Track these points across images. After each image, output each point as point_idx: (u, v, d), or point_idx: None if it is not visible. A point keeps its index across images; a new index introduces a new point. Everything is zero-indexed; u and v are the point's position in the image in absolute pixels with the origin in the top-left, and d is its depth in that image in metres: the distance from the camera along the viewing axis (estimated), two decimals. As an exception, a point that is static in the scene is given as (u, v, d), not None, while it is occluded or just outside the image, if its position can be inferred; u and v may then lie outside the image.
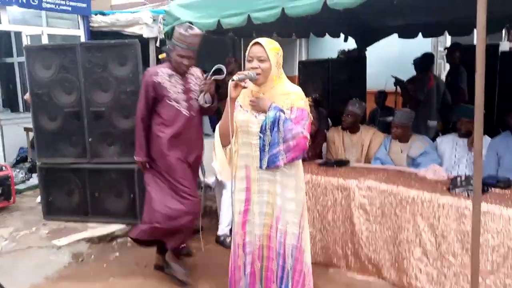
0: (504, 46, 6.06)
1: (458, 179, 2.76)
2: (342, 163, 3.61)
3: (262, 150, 2.12)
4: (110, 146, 4.07)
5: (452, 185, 2.74)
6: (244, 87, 2.08)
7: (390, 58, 6.90)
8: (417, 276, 2.74)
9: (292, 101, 2.13)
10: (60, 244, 3.67)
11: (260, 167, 2.14)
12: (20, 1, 5.41)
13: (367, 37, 5.95)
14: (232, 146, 2.17)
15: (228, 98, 2.09)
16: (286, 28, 5.30)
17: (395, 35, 5.76)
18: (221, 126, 2.24)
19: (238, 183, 2.26)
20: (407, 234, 2.79)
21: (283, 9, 3.11)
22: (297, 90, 2.19)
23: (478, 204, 2.13)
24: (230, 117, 2.12)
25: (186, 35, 2.87)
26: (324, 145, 4.20)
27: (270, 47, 2.11)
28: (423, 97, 4.88)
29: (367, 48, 6.04)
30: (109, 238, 3.89)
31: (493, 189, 2.73)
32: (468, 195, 2.60)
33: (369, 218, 2.99)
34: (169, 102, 2.98)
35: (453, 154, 3.52)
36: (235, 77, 2.04)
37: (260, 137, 2.11)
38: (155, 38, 5.43)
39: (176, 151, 3.03)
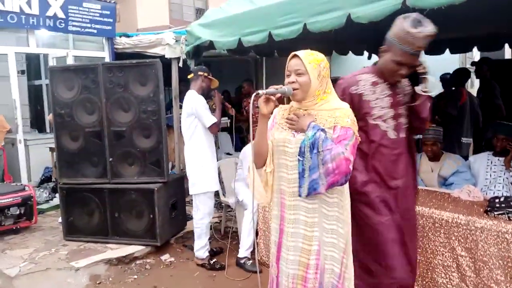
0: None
1: (497, 200, 2.55)
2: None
3: (301, 175, 1.83)
4: (130, 166, 4.03)
5: (490, 207, 2.54)
6: (276, 105, 1.88)
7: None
8: (455, 305, 2.52)
9: (336, 118, 1.85)
10: (78, 266, 3.61)
11: (299, 195, 1.85)
12: (47, 24, 5.56)
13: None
14: (267, 167, 1.97)
15: (259, 115, 1.88)
16: (308, 46, 5.22)
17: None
18: (255, 144, 1.97)
19: (273, 209, 2.01)
20: (443, 259, 2.58)
21: (305, 25, 3.04)
22: (345, 107, 1.91)
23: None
24: (263, 135, 1.93)
25: (415, 34, 2.04)
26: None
27: (310, 58, 1.85)
28: (456, 113, 4.65)
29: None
30: (128, 259, 3.81)
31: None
32: (509, 218, 2.39)
33: (399, 242, 2.79)
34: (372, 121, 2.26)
35: (488, 174, 3.31)
36: (262, 91, 1.84)
37: (298, 160, 1.84)
38: (178, 59, 5.45)
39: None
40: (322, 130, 1.83)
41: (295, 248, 1.91)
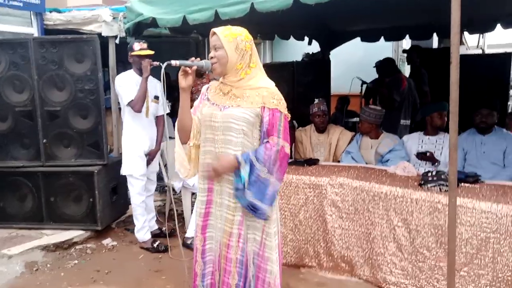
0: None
1: (429, 174, 2.77)
2: (312, 161, 3.57)
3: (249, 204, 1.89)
4: (66, 148, 3.83)
5: (423, 180, 2.75)
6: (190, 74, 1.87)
7: (354, 61, 7.02)
8: (392, 271, 2.71)
9: (263, 98, 1.88)
10: (11, 253, 3.38)
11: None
12: (-35, -6, 5.02)
13: (331, 41, 6.02)
14: (190, 141, 2.01)
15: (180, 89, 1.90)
16: (252, 29, 5.23)
17: (358, 39, 5.85)
18: (178, 121, 2.00)
19: (200, 182, 2.07)
20: (381, 230, 2.76)
21: (252, 4, 3.03)
22: (270, 86, 1.94)
23: (454, 197, 2.14)
24: (185, 110, 1.94)
25: None
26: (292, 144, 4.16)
27: (226, 33, 1.87)
28: (399, 98, 4.95)
29: (331, 52, 6.11)
30: (67, 245, 3.63)
31: (462, 184, 2.76)
32: (440, 189, 2.61)
33: (341, 215, 2.94)
34: None
35: (420, 151, 3.56)
36: (175, 61, 1.82)
37: (237, 193, 1.90)
38: (115, 37, 5.19)
39: None
40: (248, 158, 1.88)
41: (221, 217, 1.99)
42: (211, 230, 2.05)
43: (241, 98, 1.91)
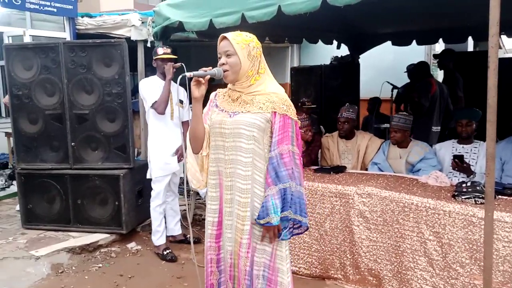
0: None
1: (464, 185, 2.62)
2: (339, 169, 3.46)
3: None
4: (94, 151, 3.87)
5: (457, 191, 2.60)
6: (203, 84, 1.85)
7: (384, 66, 6.84)
8: (422, 287, 2.58)
9: (273, 104, 1.85)
10: (39, 254, 3.43)
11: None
12: (1, 0, 5.19)
13: (360, 44, 5.87)
14: (203, 150, 1.97)
15: (192, 99, 1.87)
16: (279, 32, 5.19)
17: (389, 43, 5.69)
18: (190, 130, 1.98)
19: (210, 191, 1.99)
20: (411, 243, 2.63)
21: (279, 7, 2.97)
22: (280, 92, 1.92)
23: (491, 211, 2.00)
24: (197, 119, 1.91)
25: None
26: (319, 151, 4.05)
27: (238, 39, 1.84)
28: (428, 104, 4.75)
29: (360, 56, 5.97)
30: (92, 248, 3.66)
31: (500, 196, 2.59)
32: (475, 202, 2.46)
33: (369, 226, 2.83)
34: None
35: (456, 154, 3.38)
36: (190, 73, 1.79)
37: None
38: (144, 41, 5.25)
39: None
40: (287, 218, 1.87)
41: (232, 227, 1.94)
42: (223, 239, 2.00)
43: (250, 104, 1.88)
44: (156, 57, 3.59)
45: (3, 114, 6.55)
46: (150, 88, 3.51)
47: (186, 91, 1.90)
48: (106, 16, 5.78)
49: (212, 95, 2.03)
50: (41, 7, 5.64)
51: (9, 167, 5.62)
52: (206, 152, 1.99)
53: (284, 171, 1.85)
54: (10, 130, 4.23)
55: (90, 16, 6.04)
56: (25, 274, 3.24)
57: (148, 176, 3.64)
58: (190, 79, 1.86)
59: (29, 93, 3.81)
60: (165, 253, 3.57)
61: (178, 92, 3.56)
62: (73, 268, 3.39)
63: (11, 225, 4.09)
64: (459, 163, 3.22)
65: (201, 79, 1.82)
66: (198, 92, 1.84)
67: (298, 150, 1.91)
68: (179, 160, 3.61)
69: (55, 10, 5.79)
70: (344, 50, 5.96)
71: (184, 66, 1.93)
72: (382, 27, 5.34)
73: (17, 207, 4.27)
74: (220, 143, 1.92)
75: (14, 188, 4.99)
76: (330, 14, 3.02)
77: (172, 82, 3.51)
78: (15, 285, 3.09)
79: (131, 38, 5.27)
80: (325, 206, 3.01)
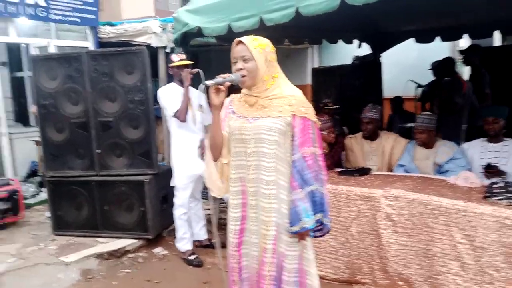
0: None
1: (496, 185, 2.53)
2: (364, 171, 3.40)
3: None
4: (118, 157, 3.92)
5: (489, 192, 2.51)
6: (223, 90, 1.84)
7: (407, 63, 6.69)
8: (455, 293, 2.49)
9: (292, 107, 1.84)
10: (69, 260, 3.50)
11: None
12: (27, 12, 5.34)
13: (382, 43, 5.76)
14: (223, 158, 1.96)
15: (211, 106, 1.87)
16: (298, 33, 5.16)
17: (412, 40, 5.56)
18: (210, 138, 1.97)
19: (232, 198, 1.98)
20: (442, 247, 2.55)
21: (297, 9, 2.95)
22: (298, 94, 1.90)
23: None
24: (216, 127, 1.91)
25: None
26: (342, 153, 4.00)
27: (255, 44, 1.83)
28: (462, 101, 4.60)
29: (382, 54, 5.86)
30: (120, 253, 3.71)
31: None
32: (509, 203, 2.37)
33: (397, 230, 2.76)
34: None
35: (483, 160, 3.28)
36: (210, 82, 1.78)
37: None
38: (165, 47, 5.31)
39: None
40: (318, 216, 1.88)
41: (257, 232, 1.92)
42: (246, 246, 1.98)
43: (269, 108, 1.86)
44: (172, 65, 3.60)
45: (32, 123, 6.74)
46: (169, 96, 3.52)
47: (207, 95, 1.90)
48: (127, 24, 5.88)
49: (226, 101, 1.99)
50: (65, 18, 5.77)
51: (38, 174, 5.77)
52: (226, 160, 1.98)
53: (309, 174, 1.84)
54: (39, 139, 4.36)
55: (112, 25, 6.14)
56: (56, 280, 3.31)
57: (172, 184, 3.66)
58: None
59: (54, 103, 3.89)
60: (191, 258, 3.58)
61: (198, 97, 3.57)
62: (102, 273, 3.44)
63: (42, 232, 4.19)
64: (492, 170, 3.10)
65: (221, 86, 1.81)
66: (218, 99, 1.83)
67: (320, 151, 1.90)
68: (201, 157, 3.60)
69: (78, 20, 5.91)
70: (365, 49, 5.87)
71: (202, 73, 1.93)
72: (404, 25, 5.22)
73: (47, 214, 4.39)
74: (241, 149, 1.91)
75: (44, 195, 5.11)
76: (349, 14, 2.97)
77: (176, 85, 3.54)
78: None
79: (152, 45, 5.33)
80: (351, 209, 2.96)
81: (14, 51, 7.06)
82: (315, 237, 1.96)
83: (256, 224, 1.92)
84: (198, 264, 3.53)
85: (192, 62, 3.65)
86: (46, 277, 3.34)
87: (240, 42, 1.84)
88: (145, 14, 7.86)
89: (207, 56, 7.57)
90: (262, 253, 1.90)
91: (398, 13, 4.15)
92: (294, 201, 1.84)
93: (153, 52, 4.80)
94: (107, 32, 6.07)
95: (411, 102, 5.53)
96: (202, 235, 3.89)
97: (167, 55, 4.82)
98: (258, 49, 1.83)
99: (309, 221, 1.83)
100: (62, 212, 4.03)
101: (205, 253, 3.74)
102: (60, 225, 4.06)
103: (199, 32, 3.99)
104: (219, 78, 1.80)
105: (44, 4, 5.47)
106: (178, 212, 3.63)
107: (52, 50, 5.72)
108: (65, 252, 3.66)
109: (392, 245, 2.77)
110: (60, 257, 3.57)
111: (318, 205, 1.86)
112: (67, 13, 5.74)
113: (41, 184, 5.46)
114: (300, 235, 1.88)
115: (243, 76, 1.83)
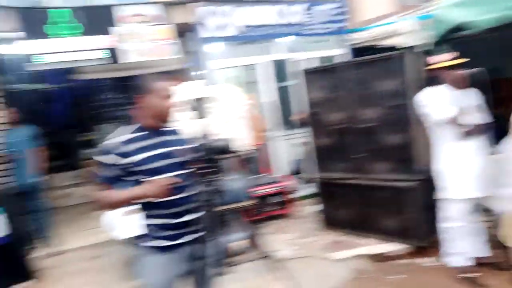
0: None
1: None
2: None
3: None
4: (380, 162, 4.02)
5: None
6: None
7: None
8: None
9: None
10: (338, 257, 3.80)
11: None
12: (288, 32, 6.11)
13: None
14: None
15: None
16: None
17: None
18: None
19: None
20: None
21: None
22: None
23: None
24: None
25: None
26: None
27: None
28: None
29: None
30: (386, 257, 3.78)
31: None
32: None
33: None
34: None
35: None
36: None
37: None
38: (416, 47, 5.12)
39: None
40: None
41: None
42: None
43: None
44: (439, 66, 3.26)
45: (295, 127, 7.59)
46: (435, 102, 3.22)
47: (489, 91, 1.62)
48: (375, 28, 5.95)
49: None
50: (320, 30, 6.36)
51: (301, 171, 6.39)
52: None
53: None
54: (302, 140, 4.90)
55: (359, 31, 6.35)
56: (326, 274, 3.60)
57: (439, 194, 3.37)
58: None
59: (322, 110, 4.38)
60: (469, 275, 3.22)
61: (470, 97, 3.27)
62: (369, 275, 3.54)
63: (310, 226, 4.65)
64: None
65: None
66: None
67: None
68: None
69: (331, 30, 6.39)
70: None
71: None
72: None
73: (313, 209, 4.89)
74: None
75: (308, 191, 5.54)
76: None
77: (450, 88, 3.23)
78: (321, 284, 3.48)
79: (403, 46, 5.22)
80: None
81: (278, 64, 8.17)
82: None
83: None
84: (477, 285, 3.15)
85: (465, 60, 3.25)
86: (318, 270, 3.68)
87: None
88: (388, 11, 7.74)
89: (468, 48, 6.84)
90: None
91: None
92: None
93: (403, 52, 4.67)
94: (355, 38, 6.32)
95: None
96: (483, 252, 3.38)
97: (418, 55, 4.61)
98: None
99: None
100: (330, 210, 4.46)
101: (487, 273, 3.27)
102: (329, 222, 4.49)
103: (462, 27, 3.69)
104: None
105: (301, 21, 6.14)
106: (445, 225, 3.33)
107: (315, 61, 6.35)
108: (333, 249, 3.98)
109: None
110: (330, 252, 3.91)
111: None
112: (320, 26, 6.32)
113: (306, 181, 5.92)
114: None
115: None
